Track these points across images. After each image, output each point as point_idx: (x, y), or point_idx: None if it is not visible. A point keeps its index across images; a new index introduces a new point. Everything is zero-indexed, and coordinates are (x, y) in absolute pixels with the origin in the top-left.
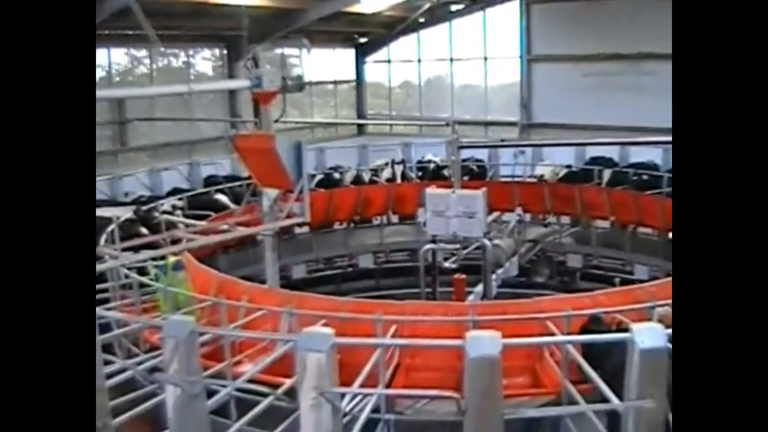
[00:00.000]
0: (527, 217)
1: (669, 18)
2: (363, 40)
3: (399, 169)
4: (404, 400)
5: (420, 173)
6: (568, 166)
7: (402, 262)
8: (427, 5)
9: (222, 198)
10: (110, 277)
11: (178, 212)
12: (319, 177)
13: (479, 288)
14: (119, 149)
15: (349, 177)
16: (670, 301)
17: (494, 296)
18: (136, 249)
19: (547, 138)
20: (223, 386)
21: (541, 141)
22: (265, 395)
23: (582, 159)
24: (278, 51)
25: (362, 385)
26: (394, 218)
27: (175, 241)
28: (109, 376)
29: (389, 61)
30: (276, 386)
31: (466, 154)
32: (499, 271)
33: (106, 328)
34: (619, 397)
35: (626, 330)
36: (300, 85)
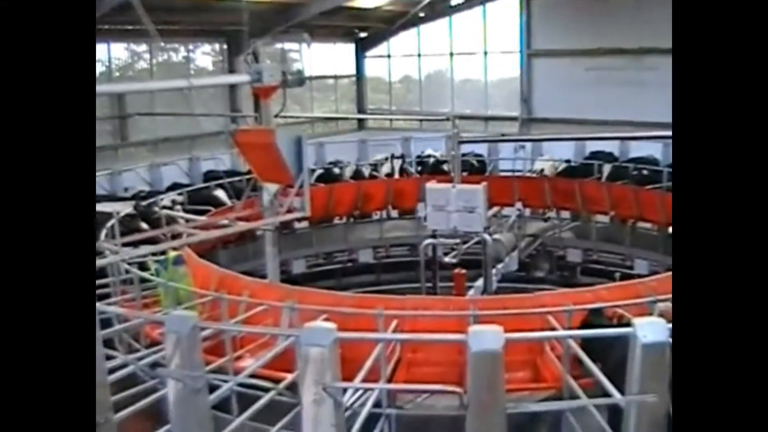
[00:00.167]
0: (527, 211)
1: (670, 13)
2: (363, 34)
3: (398, 163)
4: (405, 395)
5: (419, 168)
6: (567, 161)
7: (402, 257)
8: (427, 0)
9: (220, 194)
10: (110, 273)
11: (178, 207)
12: (318, 172)
13: (479, 283)
14: (119, 144)
15: (348, 172)
16: (671, 296)
17: (494, 291)
18: (136, 244)
19: (548, 133)
20: (225, 381)
21: (541, 136)
22: (266, 390)
23: (582, 154)
24: (278, 46)
25: (364, 380)
26: (394, 213)
27: (176, 236)
28: (111, 371)
29: (389, 56)
30: (277, 381)
31: (465, 148)
32: (499, 265)
33: (106, 323)
34: (620, 390)
35: (627, 324)
36: (300, 79)
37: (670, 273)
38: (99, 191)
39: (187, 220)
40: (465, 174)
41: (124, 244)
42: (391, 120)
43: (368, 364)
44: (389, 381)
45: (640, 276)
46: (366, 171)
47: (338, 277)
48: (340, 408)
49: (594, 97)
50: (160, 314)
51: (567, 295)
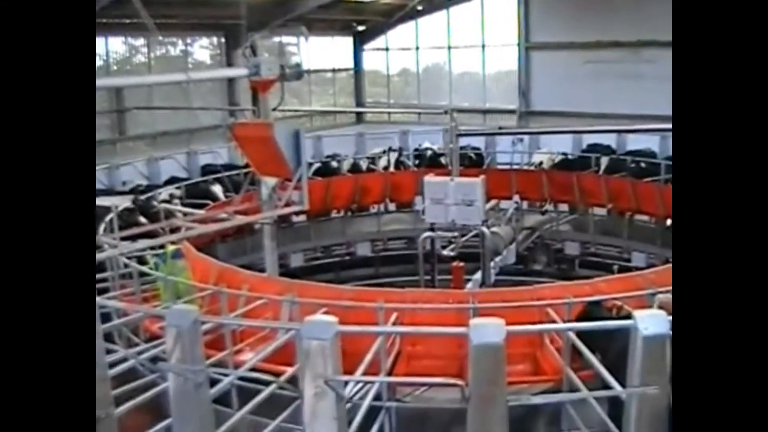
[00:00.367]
0: (524, 204)
1: (669, 6)
2: (361, 28)
3: (395, 156)
4: (404, 388)
5: (417, 161)
6: (564, 154)
7: (399, 250)
8: None
9: (216, 189)
10: (109, 267)
11: (176, 201)
12: (316, 165)
13: (477, 275)
14: (117, 138)
15: (346, 165)
16: (670, 288)
17: (492, 284)
18: (134, 238)
19: (546, 126)
20: (225, 375)
21: (539, 129)
22: (267, 384)
23: (580, 147)
24: (276, 39)
25: (364, 373)
26: (392, 206)
27: (174, 230)
28: (111, 365)
29: (387, 49)
30: (277, 374)
31: (462, 141)
32: (497, 258)
33: (106, 317)
34: (621, 383)
35: (628, 315)
36: (298, 73)
37: (669, 265)
38: (97, 185)
39: (186, 214)
40: (462, 167)
41: (123, 238)
42: (389, 113)
43: (368, 357)
44: (389, 374)
45: (637, 269)
46: (364, 164)
47: (336, 271)
48: (341, 401)
49: (592, 90)
50: (160, 308)
51: (566, 287)
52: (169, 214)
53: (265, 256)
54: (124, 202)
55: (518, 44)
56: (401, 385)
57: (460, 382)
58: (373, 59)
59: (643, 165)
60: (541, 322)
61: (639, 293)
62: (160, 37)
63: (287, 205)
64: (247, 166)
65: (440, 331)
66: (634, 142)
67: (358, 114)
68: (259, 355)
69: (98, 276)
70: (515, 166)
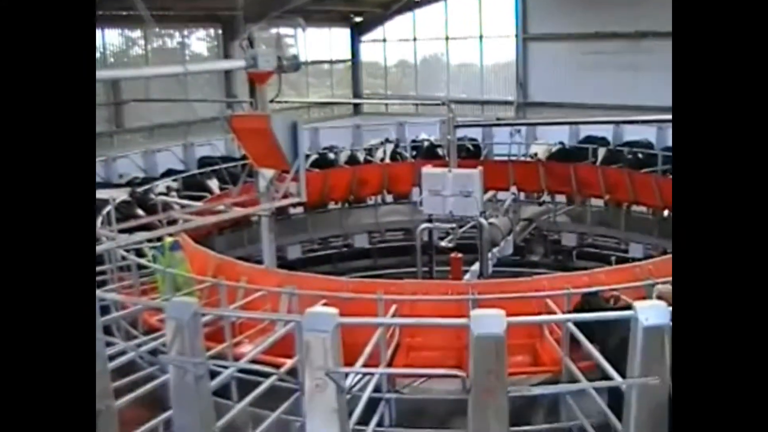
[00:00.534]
0: (521, 195)
1: None
2: (358, 19)
3: (391, 148)
4: (402, 379)
5: (414, 152)
6: (561, 143)
7: (397, 242)
8: None
9: (212, 184)
10: (107, 259)
11: (173, 193)
12: (313, 157)
13: (475, 267)
14: (115, 131)
15: (343, 157)
16: (668, 279)
17: (490, 275)
18: (132, 230)
19: (544, 117)
20: (225, 367)
21: (537, 120)
22: (266, 376)
23: (577, 138)
24: (274, 31)
25: (364, 365)
26: (389, 198)
27: (172, 222)
28: (110, 358)
29: (385, 41)
30: (277, 366)
31: (459, 133)
32: (495, 249)
33: (104, 310)
34: (620, 373)
35: (628, 306)
36: (296, 64)
37: (667, 256)
38: None
39: (183, 206)
40: (459, 158)
41: (121, 231)
42: (386, 105)
43: (368, 348)
44: (389, 365)
45: (635, 260)
46: (361, 156)
47: (334, 262)
48: (342, 393)
49: (590, 81)
50: (159, 300)
51: (565, 278)
52: (167, 207)
53: (263, 248)
54: (122, 195)
55: (516, 35)
56: (403, 377)
57: (461, 373)
58: (370, 51)
59: (640, 156)
60: (539, 313)
61: (638, 284)
62: (157, 29)
63: (285, 196)
64: (244, 158)
65: (441, 323)
66: (632, 133)
67: (356, 105)
68: (260, 347)
69: (96, 269)
70: (512, 158)
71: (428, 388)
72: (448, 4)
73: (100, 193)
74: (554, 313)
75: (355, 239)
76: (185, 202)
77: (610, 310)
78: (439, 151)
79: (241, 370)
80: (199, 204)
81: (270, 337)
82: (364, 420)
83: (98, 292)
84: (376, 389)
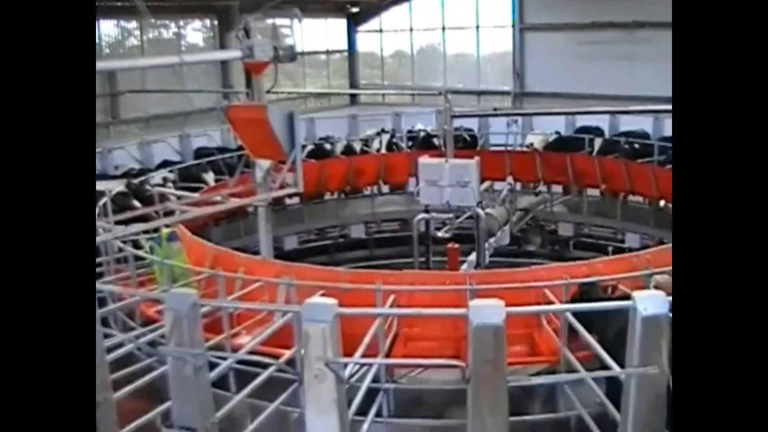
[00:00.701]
0: (518, 185)
1: None
2: (355, 9)
3: (387, 138)
4: (400, 369)
5: (410, 143)
6: (557, 133)
7: (393, 232)
8: None
9: (208, 177)
10: (104, 251)
11: (170, 185)
12: (309, 148)
13: (472, 257)
14: (110, 122)
15: (339, 147)
16: (666, 269)
17: (487, 265)
18: (129, 222)
19: (540, 107)
20: (224, 358)
21: (533, 110)
22: (264, 366)
23: (573, 128)
24: (269, 21)
25: (363, 355)
26: (385, 188)
27: (168, 213)
28: (108, 350)
29: (381, 31)
30: (275, 358)
31: (456, 123)
32: (492, 240)
33: (102, 302)
34: (618, 362)
35: (627, 296)
36: (292, 55)
37: (665, 246)
38: None
39: (180, 198)
40: (456, 149)
41: (117, 222)
42: (383, 95)
43: (367, 339)
44: (387, 356)
45: (631, 249)
46: (357, 146)
47: (331, 253)
48: (342, 383)
49: (587, 71)
50: (157, 292)
51: (563, 268)
52: (163, 198)
53: (260, 238)
54: (117, 187)
55: (513, 25)
56: (402, 367)
57: (461, 363)
58: (367, 41)
59: (636, 146)
60: (538, 303)
61: (636, 274)
62: (153, 20)
63: (282, 187)
64: (241, 148)
65: (441, 313)
66: (628, 123)
67: (353, 96)
68: (258, 338)
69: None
70: (509, 148)
71: (425, 378)
72: None
73: (97, 185)
74: (552, 303)
75: (352, 230)
76: (182, 193)
77: (607, 300)
78: (435, 141)
79: (240, 361)
80: (195, 195)
81: (268, 328)
82: (361, 410)
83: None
84: (374, 379)
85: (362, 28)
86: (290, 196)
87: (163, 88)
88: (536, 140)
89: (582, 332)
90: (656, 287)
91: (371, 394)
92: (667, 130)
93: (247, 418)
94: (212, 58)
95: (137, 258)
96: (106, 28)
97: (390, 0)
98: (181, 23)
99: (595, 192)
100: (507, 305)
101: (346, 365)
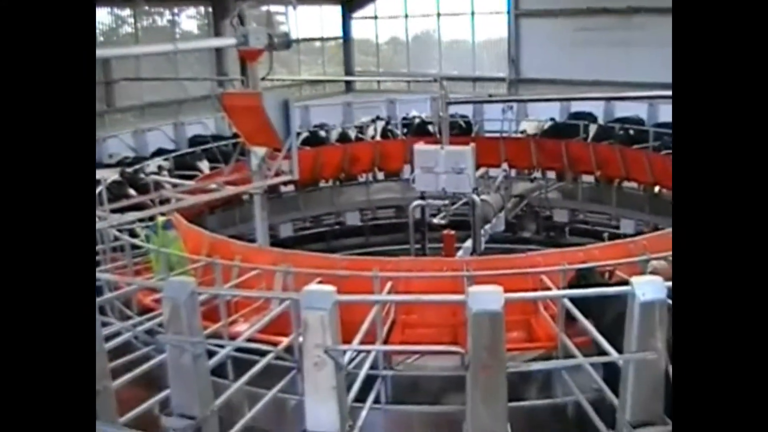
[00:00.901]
0: (513, 172)
1: None
2: None
3: (381, 125)
4: (397, 356)
5: (405, 130)
6: (552, 119)
7: (388, 219)
8: None
9: (202, 165)
10: (100, 240)
11: (165, 173)
12: (304, 135)
13: (468, 243)
14: (105, 110)
15: (334, 135)
16: (662, 255)
17: (482, 251)
18: (124, 210)
19: (535, 93)
20: (221, 346)
21: (529, 96)
22: (262, 354)
23: (567, 114)
24: (264, 8)
25: (361, 342)
26: (380, 175)
27: (164, 202)
28: (106, 339)
29: (376, 18)
30: (273, 345)
31: (451, 109)
32: (487, 226)
33: (98, 291)
34: (616, 348)
35: (625, 282)
36: (286, 42)
37: (660, 232)
38: None
39: (175, 186)
40: (451, 135)
41: (113, 211)
42: (378, 82)
43: (365, 326)
44: (385, 343)
45: (626, 235)
46: (352, 134)
47: (327, 240)
48: (341, 371)
49: (582, 57)
50: (155, 280)
51: (560, 254)
52: (159, 186)
53: (256, 226)
54: (112, 175)
55: (508, 11)
56: (401, 354)
57: (460, 349)
58: (362, 28)
59: (631, 132)
60: (535, 289)
61: (633, 260)
62: (147, 8)
63: (277, 174)
64: (235, 136)
65: (440, 299)
66: (623, 109)
67: (348, 83)
68: (256, 326)
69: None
70: (504, 134)
71: (422, 365)
72: None
73: None
74: (550, 289)
75: (347, 217)
76: (177, 181)
77: (604, 285)
78: (430, 128)
79: (237, 349)
80: (191, 183)
81: (265, 315)
82: (359, 397)
83: None
84: (372, 366)
85: (357, 14)
86: (285, 183)
87: (158, 75)
88: (530, 127)
89: (579, 318)
90: (653, 273)
91: (369, 381)
92: (662, 116)
93: (244, 405)
94: (207, 46)
95: (133, 246)
96: (100, 16)
97: None
98: (176, 10)
99: (590, 178)
100: (504, 292)
101: (344, 352)
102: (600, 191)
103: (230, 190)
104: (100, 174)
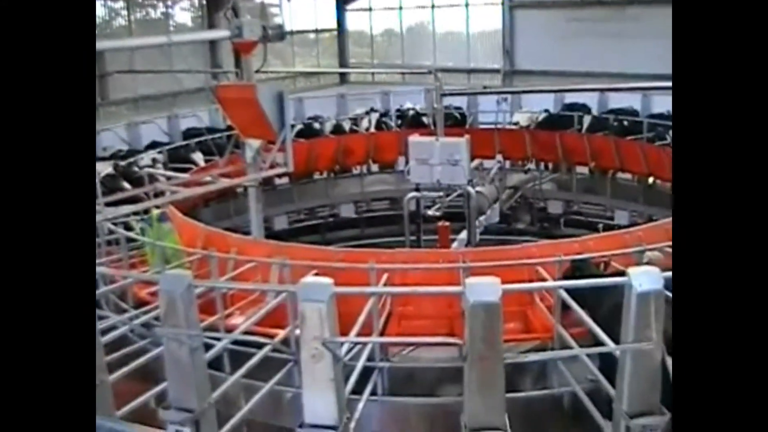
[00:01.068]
0: (507, 163)
1: None
2: None
3: (375, 117)
4: (394, 348)
5: (399, 121)
6: (546, 111)
7: (383, 211)
8: None
9: (196, 156)
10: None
11: (159, 166)
12: (299, 127)
13: (463, 235)
14: (99, 103)
15: (328, 127)
16: (658, 246)
17: (477, 243)
18: (118, 203)
19: (530, 85)
20: (218, 339)
21: (523, 88)
22: (258, 346)
23: (560, 106)
24: (258, 0)
25: (358, 334)
26: (374, 167)
27: (159, 194)
28: (102, 332)
29: (371, 9)
30: (269, 338)
31: (445, 101)
32: (482, 218)
33: None
34: (612, 338)
35: (622, 272)
36: (281, 34)
37: (655, 223)
38: None
39: (169, 178)
40: (445, 127)
41: (107, 204)
42: (372, 74)
43: (362, 318)
44: (381, 335)
45: (620, 226)
46: (346, 126)
47: (321, 232)
48: (339, 362)
49: (576, 48)
50: (151, 273)
51: (556, 245)
52: (153, 179)
53: (251, 219)
54: (106, 168)
55: (502, 3)
56: (399, 345)
57: (458, 341)
58: (356, 20)
59: (625, 123)
60: (530, 281)
61: (629, 251)
62: (140, 0)
63: (272, 167)
64: (230, 128)
65: (438, 291)
66: (617, 101)
67: (342, 75)
68: (252, 319)
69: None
70: (498, 126)
71: (417, 356)
72: None
73: None
74: (545, 280)
75: (341, 209)
76: (171, 174)
77: (600, 277)
78: (425, 119)
79: (234, 342)
80: (185, 175)
81: (261, 308)
82: (356, 389)
83: None
84: (369, 358)
85: (351, 6)
86: (280, 175)
87: (152, 68)
88: (522, 119)
89: (575, 308)
90: (648, 263)
91: (366, 373)
92: (656, 107)
93: (241, 398)
94: (201, 38)
95: (128, 240)
96: None
97: None
98: (169, 2)
99: (585, 169)
100: (501, 283)
101: (342, 344)
102: (594, 182)
103: (225, 182)
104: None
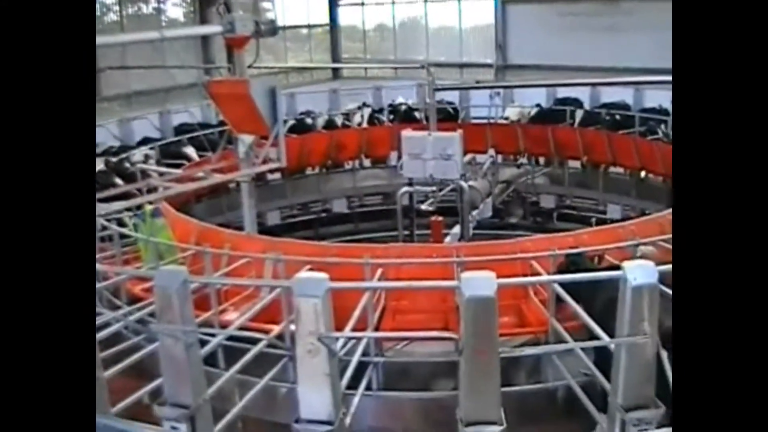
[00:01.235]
0: (499, 158)
1: None
2: None
3: (368, 112)
4: (388, 343)
5: (391, 116)
6: (538, 105)
7: (376, 206)
8: None
9: (189, 151)
10: None
11: (151, 161)
12: (291, 122)
13: (456, 229)
14: None
15: (321, 122)
16: (651, 239)
17: (470, 237)
18: (111, 200)
19: (523, 79)
20: (213, 335)
21: (515, 82)
22: (253, 342)
23: (553, 100)
24: None
25: (353, 329)
26: (367, 162)
27: (151, 190)
28: (98, 329)
29: (363, 4)
30: (264, 333)
31: (437, 96)
32: (474, 212)
33: None
34: (607, 332)
35: (610, 266)
36: (273, 29)
37: (649, 217)
38: None
39: (162, 174)
40: (438, 121)
41: (100, 200)
42: (365, 69)
43: (357, 313)
44: (376, 329)
45: (613, 221)
46: (339, 121)
47: (314, 228)
48: (334, 358)
49: (569, 43)
50: (145, 269)
51: (550, 239)
52: (145, 175)
53: (244, 214)
54: (98, 165)
55: None
56: (393, 340)
57: (454, 335)
58: (349, 14)
59: (617, 117)
60: (525, 275)
61: (623, 244)
62: None
63: (264, 162)
64: (222, 124)
65: (433, 285)
66: (609, 95)
67: (335, 70)
68: (247, 314)
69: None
70: (491, 120)
71: (411, 351)
72: None
73: None
74: (540, 274)
75: (334, 204)
76: (164, 169)
77: (594, 270)
78: (417, 114)
79: (229, 338)
80: (178, 171)
81: (255, 304)
82: (351, 384)
83: None
84: (364, 353)
85: (344, 1)
86: (272, 171)
87: (144, 64)
88: (512, 113)
89: (570, 302)
90: (641, 257)
91: (360, 369)
92: (648, 101)
93: (236, 393)
94: (193, 33)
95: (122, 236)
96: None
97: None
98: None
99: (577, 163)
100: (495, 277)
101: (337, 339)
102: (587, 176)
103: (218, 178)
104: None
